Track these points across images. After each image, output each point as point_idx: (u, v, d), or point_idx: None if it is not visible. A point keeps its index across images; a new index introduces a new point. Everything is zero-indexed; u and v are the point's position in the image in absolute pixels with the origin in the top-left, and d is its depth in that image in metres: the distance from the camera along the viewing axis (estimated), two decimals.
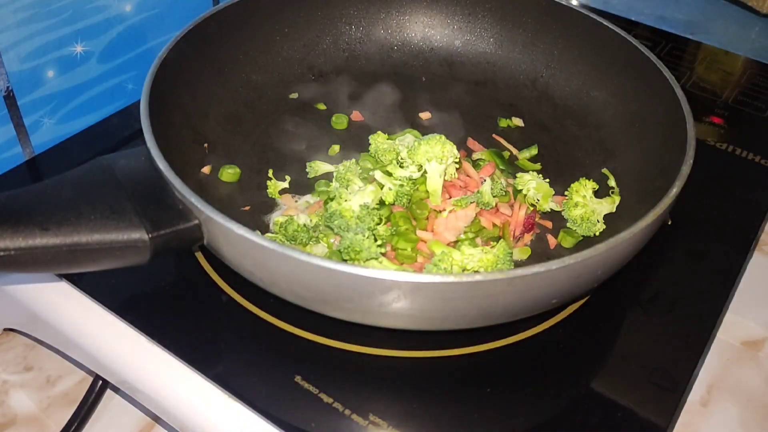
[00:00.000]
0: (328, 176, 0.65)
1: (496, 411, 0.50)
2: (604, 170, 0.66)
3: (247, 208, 0.62)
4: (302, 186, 0.65)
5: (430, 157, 0.58)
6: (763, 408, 0.56)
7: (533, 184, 0.62)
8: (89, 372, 0.65)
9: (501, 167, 0.66)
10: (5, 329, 0.68)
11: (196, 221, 0.49)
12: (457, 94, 0.77)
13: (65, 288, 0.57)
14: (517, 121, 0.74)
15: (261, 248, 0.44)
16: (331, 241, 0.57)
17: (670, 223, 0.65)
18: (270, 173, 0.64)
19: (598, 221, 0.60)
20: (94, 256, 0.48)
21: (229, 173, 0.64)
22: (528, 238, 0.61)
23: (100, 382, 0.60)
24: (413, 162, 0.59)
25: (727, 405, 0.56)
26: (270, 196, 0.63)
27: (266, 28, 0.73)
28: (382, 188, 0.58)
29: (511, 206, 0.62)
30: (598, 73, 0.72)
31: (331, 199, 0.57)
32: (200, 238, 0.50)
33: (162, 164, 0.49)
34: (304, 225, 0.57)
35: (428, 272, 0.52)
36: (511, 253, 0.54)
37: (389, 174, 0.59)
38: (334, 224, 0.55)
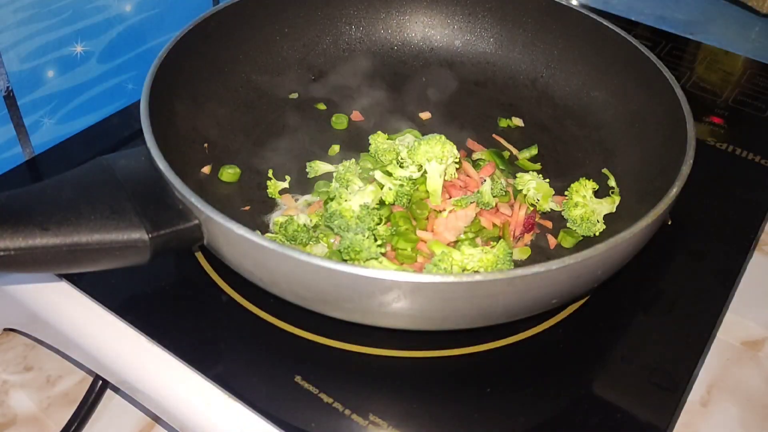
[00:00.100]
0: (328, 176, 0.65)
1: (496, 411, 0.50)
2: (604, 170, 0.66)
3: (247, 208, 0.62)
4: (302, 186, 0.65)
5: (430, 157, 0.58)
6: (763, 408, 0.56)
7: (533, 184, 0.62)
8: (89, 372, 0.65)
9: (501, 167, 0.66)
10: (5, 329, 0.68)
11: (196, 221, 0.49)
12: (457, 94, 0.77)
13: (65, 288, 0.57)
14: (517, 121, 0.74)
15: (261, 248, 0.44)
16: (331, 241, 0.57)
17: (670, 223, 0.65)
18: (270, 173, 0.64)
19: (598, 221, 0.60)
20: (94, 256, 0.48)
21: (229, 173, 0.64)
22: (528, 238, 0.61)
23: (100, 382, 0.60)
24: (413, 162, 0.59)
25: (727, 405, 0.56)
26: (270, 196, 0.63)
27: (266, 28, 0.73)
28: (382, 188, 0.58)
29: (511, 206, 0.62)
30: (598, 73, 0.72)
31: (331, 199, 0.57)
32: (200, 238, 0.50)
33: (162, 164, 0.49)
34: (304, 225, 0.57)
35: (428, 272, 0.52)
36: (511, 253, 0.54)
37: (389, 174, 0.59)
38: (334, 224, 0.55)
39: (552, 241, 0.61)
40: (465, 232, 0.58)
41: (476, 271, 0.52)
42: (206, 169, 0.63)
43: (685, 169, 0.53)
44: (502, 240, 0.57)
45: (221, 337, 0.54)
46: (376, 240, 0.53)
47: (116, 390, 0.64)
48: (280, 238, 0.57)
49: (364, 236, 0.52)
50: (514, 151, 0.70)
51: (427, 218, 0.58)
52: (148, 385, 0.52)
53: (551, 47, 0.75)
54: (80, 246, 0.47)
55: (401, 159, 0.60)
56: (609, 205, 0.62)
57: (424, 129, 0.71)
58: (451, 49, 0.80)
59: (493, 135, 0.72)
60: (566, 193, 0.62)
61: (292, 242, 0.56)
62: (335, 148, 0.69)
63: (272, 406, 0.49)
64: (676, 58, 0.92)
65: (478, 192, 0.60)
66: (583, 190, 0.61)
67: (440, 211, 0.58)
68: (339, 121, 0.72)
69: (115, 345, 0.54)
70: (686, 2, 1.09)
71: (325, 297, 0.47)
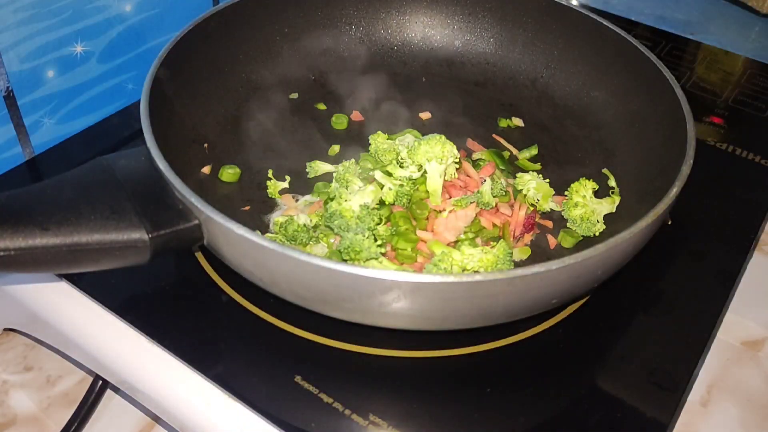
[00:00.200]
0: (328, 176, 0.65)
1: (496, 411, 0.50)
2: (604, 170, 0.66)
3: (247, 208, 0.62)
4: (302, 186, 0.65)
5: (430, 157, 0.58)
6: (763, 408, 0.56)
7: (533, 184, 0.62)
8: (89, 372, 0.65)
9: (501, 167, 0.66)
10: (5, 329, 0.68)
11: (196, 221, 0.49)
12: (457, 94, 0.77)
13: (65, 288, 0.57)
14: (517, 121, 0.74)
15: (261, 248, 0.44)
16: (331, 241, 0.57)
17: (670, 223, 0.65)
18: (270, 173, 0.64)
19: (598, 221, 0.60)
20: (94, 256, 0.48)
21: (229, 173, 0.64)
22: (528, 238, 0.61)
23: (100, 382, 0.60)
24: (413, 162, 0.59)
25: (727, 405, 0.56)
26: (270, 196, 0.63)
27: (266, 28, 0.73)
28: (382, 188, 0.58)
29: (511, 206, 0.62)
30: (598, 73, 0.72)
31: (331, 199, 0.57)
32: (200, 238, 0.50)
33: (162, 164, 0.49)
34: (304, 225, 0.57)
35: (428, 272, 0.52)
36: (511, 253, 0.54)
37: (389, 174, 0.59)
38: (334, 224, 0.55)
39: (552, 241, 0.61)
40: (465, 232, 0.58)
41: (476, 271, 0.52)
42: (206, 169, 0.63)
43: (685, 169, 0.53)
44: (502, 240, 0.57)
45: (221, 337, 0.54)
46: (376, 240, 0.53)
47: (116, 390, 0.64)
48: (280, 238, 0.57)
49: (364, 236, 0.52)
50: (514, 151, 0.70)
51: (427, 218, 0.58)
52: (148, 385, 0.52)
53: (551, 47, 0.75)
54: (80, 246, 0.47)
55: (401, 159, 0.60)
56: (609, 205, 0.62)
57: (424, 129, 0.71)
58: (451, 49, 0.80)
59: (493, 135, 0.72)
60: (566, 193, 0.62)
61: (292, 242, 0.56)
62: (335, 148, 0.69)
63: (272, 406, 0.49)
64: (676, 58, 0.92)
65: (478, 192, 0.60)
66: (583, 190, 0.61)
67: (440, 211, 0.58)
68: (339, 121, 0.72)
69: (115, 345, 0.54)
70: (686, 2, 1.09)
71: (325, 297, 0.47)
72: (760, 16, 1.05)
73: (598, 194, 0.62)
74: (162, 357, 0.53)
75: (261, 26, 0.72)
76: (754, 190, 0.71)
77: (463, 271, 0.52)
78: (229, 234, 0.46)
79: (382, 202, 0.58)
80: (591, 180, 0.62)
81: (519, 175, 0.64)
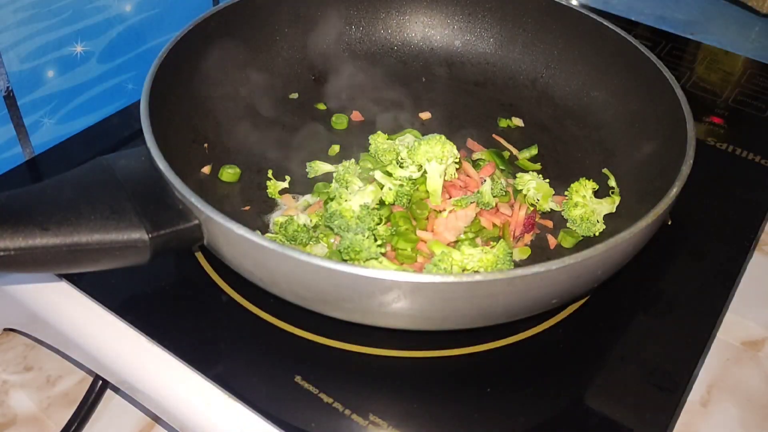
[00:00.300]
0: (328, 176, 0.65)
1: (496, 411, 0.50)
2: (604, 170, 0.66)
3: (247, 208, 0.62)
4: (302, 186, 0.65)
5: (430, 157, 0.58)
6: (763, 408, 0.56)
7: (533, 184, 0.62)
8: (89, 372, 0.65)
9: (501, 167, 0.66)
10: (5, 329, 0.68)
11: (196, 221, 0.49)
12: (457, 94, 0.77)
13: (65, 288, 0.57)
14: (517, 121, 0.74)
15: (261, 248, 0.44)
16: (331, 241, 0.57)
17: (670, 223, 0.65)
18: (270, 173, 0.64)
19: (598, 221, 0.60)
20: (94, 256, 0.48)
21: (229, 173, 0.64)
22: (528, 238, 0.61)
23: (100, 382, 0.60)
24: (413, 162, 0.59)
25: (727, 405, 0.56)
26: (270, 196, 0.63)
27: (266, 28, 0.73)
28: (382, 188, 0.58)
29: (511, 206, 0.62)
30: (598, 73, 0.72)
31: (331, 199, 0.57)
32: (200, 238, 0.50)
33: (162, 164, 0.49)
34: (304, 225, 0.57)
35: (428, 272, 0.52)
36: (511, 253, 0.54)
37: (389, 174, 0.59)
38: (334, 224, 0.55)
39: (552, 241, 0.61)
40: (465, 232, 0.58)
41: (476, 271, 0.52)
42: (206, 169, 0.63)
43: (685, 169, 0.53)
44: (502, 240, 0.57)
45: (221, 337, 0.54)
46: (376, 240, 0.53)
47: (116, 390, 0.64)
48: (280, 238, 0.57)
49: (364, 236, 0.52)
50: (514, 151, 0.70)
51: (427, 218, 0.58)
52: (148, 385, 0.52)
53: (551, 47, 0.75)
54: (80, 246, 0.47)
55: (401, 159, 0.60)
56: (609, 205, 0.62)
57: (424, 129, 0.71)
58: (451, 49, 0.80)
59: (493, 135, 0.72)
60: (566, 193, 0.62)
61: (292, 242, 0.56)
62: (335, 148, 0.69)
63: (272, 406, 0.49)
64: (676, 58, 0.92)
65: (478, 192, 0.60)
66: (583, 190, 0.61)
67: (440, 211, 0.58)
68: (339, 121, 0.72)
69: (115, 345, 0.54)
70: (686, 2, 1.09)
71: (325, 297, 0.47)
72: (760, 16, 1.06)
73: (598, 194, 0.62)
74: (162, 357, 0.53)
75: (261, 26, 0.72)
76: (754, 190, 0.71)
77: (463, 271, 0.52)
78: (229, 234, 0.46)
79: (382, 202, 0.58)
80: (591, 180, 0.62)
81: (519, 175, 0.64)
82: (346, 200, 0.56)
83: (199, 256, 0.59)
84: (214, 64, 0.68)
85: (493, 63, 0.78)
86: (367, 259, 0.52)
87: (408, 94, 0.76)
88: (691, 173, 0.53)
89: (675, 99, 0.60)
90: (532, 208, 0.62)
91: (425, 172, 0.59)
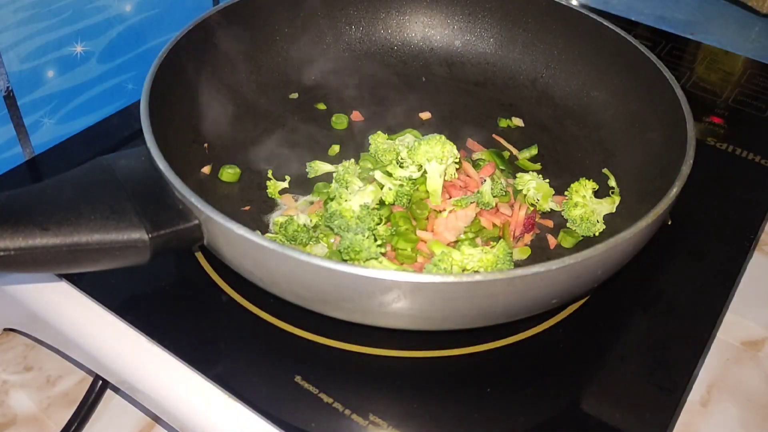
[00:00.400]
0: (328, 176, 0.65)
1: (496, 411, 0.50)
2: (604, 170, 0.66)
3: (247, 208, 0.62)
4: (302, 186, 0.65)
5: (430, 157, 0.58)
6: (763, 408, 0.56)
7: (533, 184, 0.62)
8: (89, 372, 0.65)
9: (501, 167, 0.66)
10: (5, 329, 0.68)
11: (196, 221, 0.49)
12: (457, 94, 0.77)
13: (65, 288, 0.57)
14: (517, 121, 0.74)
15: (261, 248, 0.44)
16: (331, 241, 0.57)
17: (670, 223, 0.65)
18: (270, 173, 0.64)
19: (598, 221, 0.60)
20: (94, 256, 0.48)
21: (229, 173, 0.64)
22: (528, 238, 0.61)
23: (100, 382, 0.60)
24: (413, 162, 0.59)
25: (727, 405, 0.56)
26: (270, 196, 0.63)
27: (266, 28, 0.73)
28: (382, 188, 0.58)
29: (511, 206, 0.62)
30: (598, 73, 0.72)
31: (331, 199, 0.57)
32: (200, 238, 0.50)
33: (162, 164, 0.49)
34: (304, 225, 0.57)
35: (428, 272, 0.52)
36: (511, 253, 0.54)
37: (389, 174, 0.59)
38: (334, 224, 0.55)
39: (552, 241, 0.61)
40: (465, 232, 0.58)
41: (476, 271, 0.52)
42: (206, 169, 0.63)
43: (685, 169, 0.53)
44: (502, 240, 0.57)
45: (221, 337, 0.54)
46: (376, 240, 0.53)
47: (116, 390, 0.64)
48: (280, 238, 0.57)
49: (364, 236, 0.52)
50: (514, 151, 0.70)
51: (427, 218, 0.58)
52: (148, 385, 0.52)
53: (551, 47, 0.75)
54: (80, 246, 0.47)
55: (401, 159, 0.60)
56: (609, 205, 0.62)
57: (424, 129, 0.71)
58: (451, 49, 0.80)
59: (493, 135, 0.72)
60: (566, 193, 0.62)
61: (292, 242, 0.56)
62: (335, 148, 0.69)
63: (272, 406, 0.49)
64: (676, 58, 0.92)
65: (478, 192, 0.60)
66: (583, 190, 0.61)
67: (440, 211, 0.58)
68: (339, 121, 0.72)
69: (115, 345, 0.54)
70: (686, 2, 1.09)
71: (325, 297, 0.47)
72: (760, 16, 1.06)
73: (598, 194, 0.62)
74: (162, 357, 0.53)
75: (261, 26, 0.72)
76: (754, 190, 0.71)
77: (463, 271, 0.52)
78: (229, 234, 0.46)
79: (382, 202, 0.58)
80: (591, 180, 0.62)
81: (519, 175, 0.64)
82: (346, 200, 0.56)
83: (199, 256, 0.59)
84: (214, 64, 0.68)
85: (493, 63, 0.78)
86: (367, 259, 0.52)
87: (408, 93, 0.76)
88: (691, 173, 0.53)
89: (675, 99, 0.60)
90: (532, 208, 0.62)
91: (425, 172, 0.59)
